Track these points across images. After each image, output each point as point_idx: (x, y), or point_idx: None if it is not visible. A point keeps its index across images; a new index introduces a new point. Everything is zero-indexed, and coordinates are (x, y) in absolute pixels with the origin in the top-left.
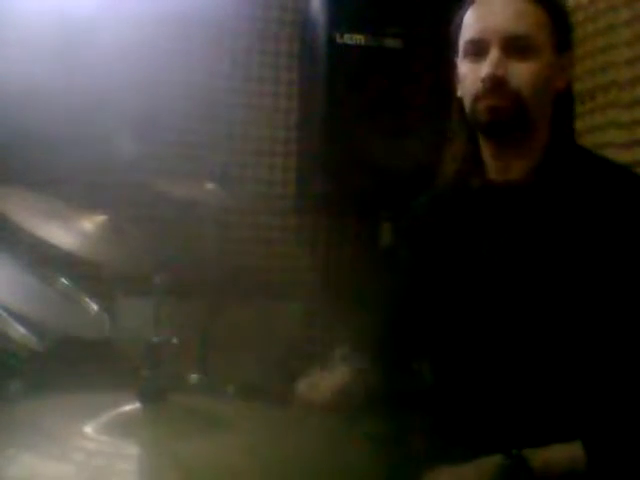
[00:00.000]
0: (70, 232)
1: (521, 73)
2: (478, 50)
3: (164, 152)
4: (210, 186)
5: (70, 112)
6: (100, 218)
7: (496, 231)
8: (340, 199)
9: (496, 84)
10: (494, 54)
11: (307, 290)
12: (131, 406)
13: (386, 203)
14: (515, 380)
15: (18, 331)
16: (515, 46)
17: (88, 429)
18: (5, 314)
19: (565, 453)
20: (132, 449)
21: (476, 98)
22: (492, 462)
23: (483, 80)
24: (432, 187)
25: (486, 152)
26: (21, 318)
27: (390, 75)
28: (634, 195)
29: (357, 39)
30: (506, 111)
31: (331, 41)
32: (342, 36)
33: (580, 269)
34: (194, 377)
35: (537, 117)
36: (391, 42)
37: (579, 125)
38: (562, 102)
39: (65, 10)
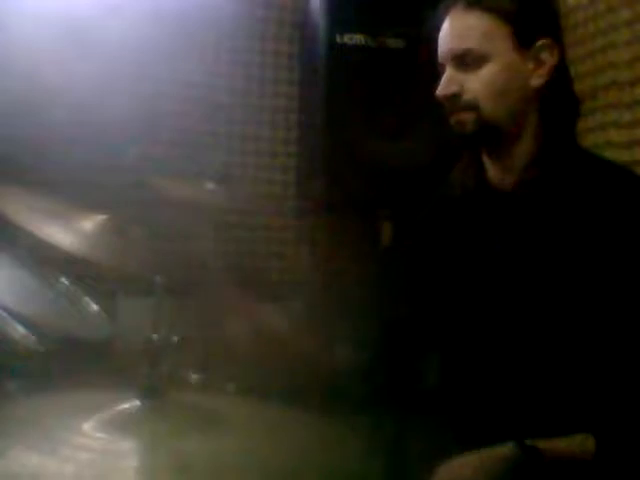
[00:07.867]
0: (70, 232)
1: (473, 83)
2: (443, 72)
3: (164, 152)
4: (210, 186)
5: (70, 112)
6: (100, 218)
7: (494, 234)
8: (340, 199)
9: (450, 100)
10: (447, 73)
11: (307, 290)
12: (130, 404)
13: (386, 203)
14: (522, 376)
15: (18, 331)
16: (463, 61)
17: (88, 427)
18: (5, 314)
19: (575, 445)
20: (131, 447)
21: (449, 115)
22: (504, 451)
23: (439, 100)
24: (438, 189)
25: (485, 158)
26: (21, 318)
27: (390, 75)
28: (633, 196)
29: (357, 39)
30: (469, 123)
31: (331, 41)
32: (342, 36)
33: (580, 268)
34: (194, 376)
35: (509, 120)
36: (391, 42)
37: (579, 125)
38: (550, 99)
39: (65, 10)
